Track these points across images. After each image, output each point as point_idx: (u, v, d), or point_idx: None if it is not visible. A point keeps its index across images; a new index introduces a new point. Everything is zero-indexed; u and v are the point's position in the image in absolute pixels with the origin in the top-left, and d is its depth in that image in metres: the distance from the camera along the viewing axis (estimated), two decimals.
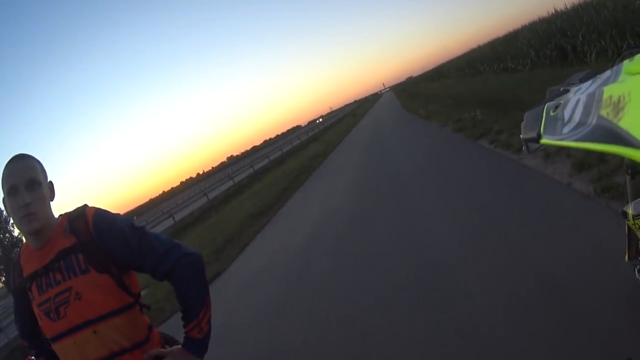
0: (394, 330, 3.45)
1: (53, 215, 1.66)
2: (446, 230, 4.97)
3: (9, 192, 1.55)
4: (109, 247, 1.59)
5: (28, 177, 1.56)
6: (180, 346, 1.71)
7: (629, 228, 2.24)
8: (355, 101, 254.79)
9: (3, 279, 36.78)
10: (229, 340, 4.84)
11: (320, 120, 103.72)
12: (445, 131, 12.32)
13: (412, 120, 20.51)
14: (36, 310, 1.62)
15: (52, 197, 1.67)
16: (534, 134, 1.74)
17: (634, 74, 1.21)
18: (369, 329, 3.68)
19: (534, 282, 3.18)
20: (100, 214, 1.66)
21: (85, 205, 1.71)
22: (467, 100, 15.66)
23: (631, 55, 1.51)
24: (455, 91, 22.44)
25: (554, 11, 18.52)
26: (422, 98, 30.69)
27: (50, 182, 1.69)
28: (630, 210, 1.97)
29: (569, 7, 16.70)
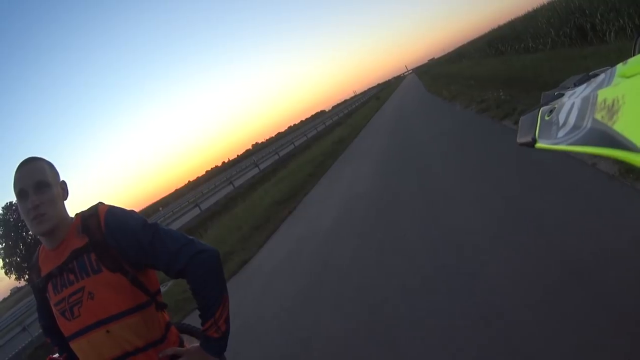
0: (420, 321, 3.43)
1: (67, 215, 1.67)
2: (474, 217, 4.91)
3: (19, 196, 1.58)
4: (121, 245, 1.58)
5: (36, 179, 1.58)
6: (197, 345, 1.69)
7: None
8: (379, 84, 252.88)
9: (27, 277, 37.47)
10: (256, 328, 4.94)
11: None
12: (469, 112, 12.12)
13: (436, 102, 20.22)
14: (53, 310, 1.64)
15: (65, 197, 1.69)
16: (529, 139, 1.74)
17: (628, 77, 1.21)
18: (395, 316, 3.68)
19: (560, 262, 3.16)
20: (112, 212, 1.65)
21: (99, 204, 1.70)
22: (490, 80, 15.35)
23: None
24: (477, 72, 22.01)
25: None
26: (445, 79, 30.18)
27: (63, 182, 1.70)
28: None
29: None
